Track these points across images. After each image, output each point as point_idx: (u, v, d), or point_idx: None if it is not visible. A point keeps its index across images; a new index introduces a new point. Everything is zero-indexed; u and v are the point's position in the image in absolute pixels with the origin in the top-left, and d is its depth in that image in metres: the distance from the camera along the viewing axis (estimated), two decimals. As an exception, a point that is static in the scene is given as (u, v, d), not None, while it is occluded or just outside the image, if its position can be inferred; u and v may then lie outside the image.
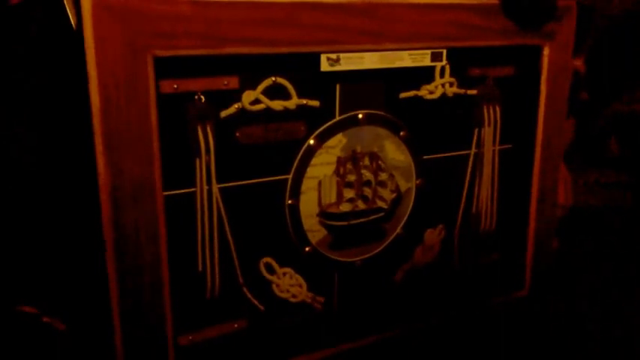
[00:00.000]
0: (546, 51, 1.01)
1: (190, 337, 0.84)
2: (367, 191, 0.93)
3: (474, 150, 1.00)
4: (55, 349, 0.88)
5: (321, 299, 0.93)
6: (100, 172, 0.72)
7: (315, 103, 0.85)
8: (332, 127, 0.88)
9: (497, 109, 0.99)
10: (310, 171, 0.88)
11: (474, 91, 0.97)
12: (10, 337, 0.88)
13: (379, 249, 0.96)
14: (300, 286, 0.91)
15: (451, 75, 0.94)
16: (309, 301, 0.92)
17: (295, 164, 0.86)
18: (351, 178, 0.91)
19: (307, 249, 0.90)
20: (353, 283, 0.95)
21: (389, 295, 0.99)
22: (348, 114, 0.88)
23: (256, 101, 0.81)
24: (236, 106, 0.80)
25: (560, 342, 1.07)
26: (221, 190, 0.81)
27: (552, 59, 1.01)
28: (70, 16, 0.73)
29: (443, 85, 0.94)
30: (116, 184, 0.73)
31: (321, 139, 0.87)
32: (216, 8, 0.75)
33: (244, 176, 0.83)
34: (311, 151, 0.87)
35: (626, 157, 1.53)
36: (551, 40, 1.00)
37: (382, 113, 0.91)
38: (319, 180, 0.89)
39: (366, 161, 0.92)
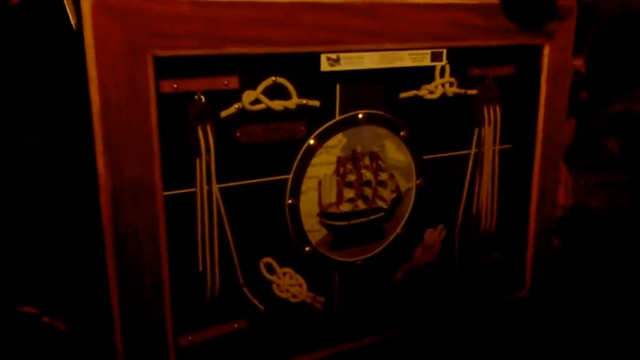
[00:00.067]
0: (546, 51, 1.01)
1: (190, 338, 0.84)
2: (367, 191, 0.93)
3: (474, 150, 1.00)
4: (55, 349, 0.88)
5: (322, 299, 0.93)
6: (100, 172, 0.72)
7: (316, 103, 0.85)
8: (332, 127, 0.88)
9: (498, 108, 0.99)
10: (310, 171, 0.88)
11: (474, 91, 0.97)
12: (11, 338, 0.88)
13: (379, 249, 0.96)
14: (301, 286, 0.91)
15: (451, 75, 0.94)
16: (309, 301, 0.92)
17: (295, 164, 0.86)
18: (352, 178, 0.91)
19: (307, 249, 0.90)
20: (353, 283, 0.95)
21: (389, 295, 0.99)
22: (348, 114, 0.88)
23: (256, 101, 0.81)
24: (236, 106, 0.80)
25: (560, 342, 1.06)
26: (221, 190, 0.81)
27: (552, 59, 1.01)
28: (70, 16, 0.73)
29: (443, 85, 0.94)
30: (116, 184, 0.73)
31: (322, 138, 0.87)
32: (216, 8, 0.75)
33: (244, 176, 0.83)
34: (311, 151, 0.87)
35: (626, 157, 1.53)
36: (551, 40, 1.00)
37: (382, 113, 0.91)
38: (319, 180, 0.89)
39: (367, 161, 0.92)
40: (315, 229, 0.90)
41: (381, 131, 0.92)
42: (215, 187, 0.81)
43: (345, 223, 0.92)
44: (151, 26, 0.72)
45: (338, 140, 0.89)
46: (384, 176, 0.94)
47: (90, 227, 0.76)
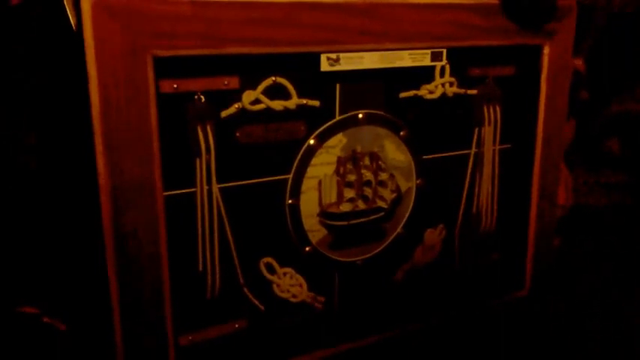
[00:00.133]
0: (546, 50, 1.01)
1: (191, 337, 0.84)
2: (367, 191, 0.93)
3: (474, 150, 1.00)
4: (55, 349, 0.88)
5: (322, 299, 0.93)
6: (100, 172, 0.72)
7: (315, 102, 0.85)
8: (332, 127, 0.88)
9: (498, 108, 0.99)
10: (310, 171, 0.88)
11: (474, 91, 0.97)
12: (11, 338, 0.88)
13: (379, 249, 0.96)
14: (301, 286, 0.91)
15: (451, 75, 0.94)
16: (309, 301, 0.92)
17: (295, 164, 0.86)
18: (352, 177, 0.91)
19: (308, 249, 0.90)
20: (353, 283, 0.95)
21: (389, 295, 0.99)
22: (348, 114, 0.88)
23: (256, 101, 0.81)
24: (236, 105, 0.80)
25: (560, 342, 1.06)
26: (221, 190, 0.81)
27: (552, 59, 1.01)
28: (70, 16, 0.73)
29: (443, 85, 0.94)
30: (116, 184, 0.73)
31: (322, 138, 0.87)
32: (216, 8, 0.75)
33: (244, 176, 0.83)
34: (311, 151, 0.87)
35: (626, 156, 1.53)
36: (551, 40, 1.00)
37: (382, 113, 0.91)
38: (319, 180, 0.89)
39: (367, 161, 0.92)
40: (315, 229, 0.90)
41: (381, 131, 0.92)
42: (215, 187, 0.81)
43: (345, 223, 0.92)
44: (151, 26, 0.72)
45: (338, 140, 0.89)
46: (384, 176, 0.94)
47: (90, 227, 0.76)
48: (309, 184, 0.88)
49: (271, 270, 0.88)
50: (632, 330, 1.09)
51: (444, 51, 0.92)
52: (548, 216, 1.11)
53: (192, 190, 0.79)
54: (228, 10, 0.76)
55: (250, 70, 0.79)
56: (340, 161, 0.90)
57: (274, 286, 0.89)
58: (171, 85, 0.75)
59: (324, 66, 0.84)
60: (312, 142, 0.87)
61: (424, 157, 0.96)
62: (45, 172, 0.86)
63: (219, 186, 0.81)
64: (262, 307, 0.88)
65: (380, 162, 0.93)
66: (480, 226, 1.04)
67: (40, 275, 0.90)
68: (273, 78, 0.81)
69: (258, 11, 0.77)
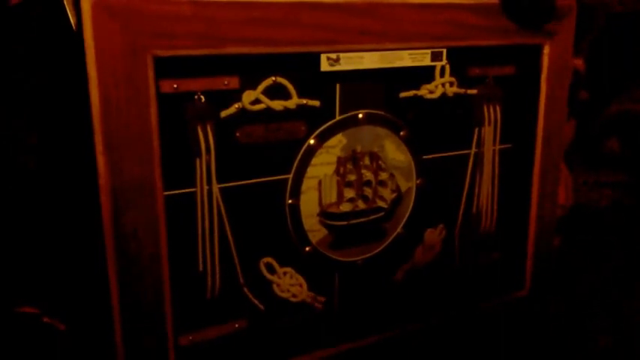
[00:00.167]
0: (546, 50, 1.01)
1: (191, 337, 0.84)
2: (367, 191, 0.93)
3: (474, 149, 1.00)
4: (55, 349, 0.88)
5: (322, 299, 0.93)
6: (100, 172, 0.72)
7: (316, 102, 0.85)
8: (332, 127, 0.88)
9: (498, 108, 0.99)
10: (310, 171, 0.88)
11: (474, 91, 0.97)
12: (11, 338, 0.88)
13: (379, 249, 0.96)
14: (301, 285, 0.91)
15: (451, 74, 0.94)
16: (309, 300, 0.92)
17: (295, 164, 0.86)
18: (352, 177, 0.91)
19: (308, 249, 0.90)
20: (353, 282, 0.95)
21: (389, 294, 0.99)
22: (348, 114, 0.88)
23: (256, 101, 0.81)
24: (236, 105, 0.80)
25: (560, 342, 1.06)
26: (221, 190, 0.81)
27: (552, 58, 1.01)
28: (70, 16, 0.73)
29: (443, 85, 0.94)
30: (116, 184, 0.73)
31: (322, 138, 0.87)
32: (216, 8, 0.75)
33: (245, 176, 0.83)
34: (311, 151, 0.87)
35: (626, 156, 1.53)
36: (551, 40, 1.00)
37: (382, 113, 0.91)
38: (319, 180, 0.89)
39: (367, 161, 0.92)
40: (315, 229, 0.90)
41: (381, 131, 0.92)
42: (215, 187, 0.81)
43: (345, 222, 0.92)
44: (151, 26, 0.72)
45: (338, 140, 0.89)
46: (384, 176, 0.94)
47: (90, 227, 0.76)
48: (309, 184, 0.88)
49: (271, 270, 0.88)
50: (632, 330, 1.09)
51: (444, 51, 0.92)
52: (548, 216, 1.11)
53: (193, 190, 0.79)
54: (228, 10, 0.76)
55: (250, 70, 0.79)
56: (340, 161, 0.90)
57: (274, 286, 0.89)
58: (171, 85, 0.75)
59: (324, 66, 0.84)
60: (312, 142, 0.87)
61: (424, 157, 0.96)
62: (45, 172, 0.86)
63: (219, 186, 0.81)
64: (262, 307, 0.88)
65: (380, 162, 0.93)
66: (480, 226, 1.04)
67: (40, 275, 0.90)
68: (273, 78, 0.81)
69: (258, 11, 0.77)
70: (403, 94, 0.92)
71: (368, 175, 0.92)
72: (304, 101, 0.84)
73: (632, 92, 1.49)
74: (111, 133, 0.72)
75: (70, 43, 0.72)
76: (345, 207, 0.92)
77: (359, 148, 0.91)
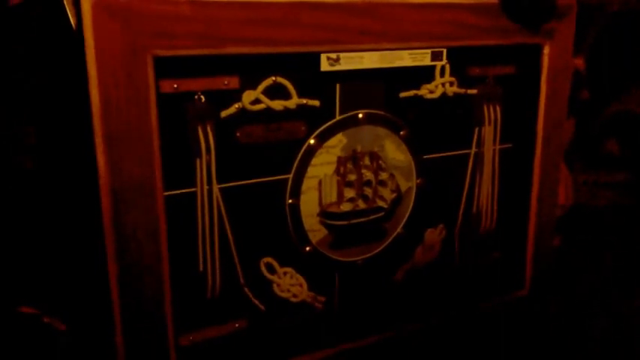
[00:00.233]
0: (546, 50, 1.01)
1: (191, 337, 0.84)
2: (368, 191, 0.93)
3: (474, 149, 1.00)
4: (55, 349, 0.88)
5: (322, 299, 0.93)
6: (101, 172, 0.72)
7: (316, 102, 0.85)
8: (332, 127, 0.88)
9: (498, 108, 0.99)
10: (311, 170, 0.88)
11: (474, 91, 0.97)
12: (11, 338, 0.88)
13: (380, 249, 0.96)
14: (301, 285, 0.91)
15: (451, 74, 0.94)
16: (309, 300, 0.92)
17: (296, 164, 0.86)
18: (352, 177, 0.91)
19: (308, 248, 0.90)
20: (354, 282, 0.95)
21: (389, 294, 0.99)
22: (349, 113, 0.88)
23: (256, 101, 0.81)
24: (236, 105, 0.80)
25: (560, 342, 1.06)
26: (221, 190, 0.81)
27: (553, 58, 1.01)
28: (70, 16, 0.73)
29: (443, 85, 0.94)
30: (116, 185, 0.73)
31: (322, 138, 0.87)
32: (216, 8, 0.75)
33: (245, 176, 0.83)
34: (311, 151, 0.87)
35: (626, 156, 1.53)
36: (551, 39, 1.00)
37: (382, 113, 0.91)
38: (320, 179, 0.89)
39: (367, 161, 0.92)
40: (315, 229, 0.90)
41: (381, 131, 0.92)
42: (215, 187, 0.81)
43: (345, 222, 0.92)
44: (151, 26, 0.72)
45: (338, 140, 0.89)
46: (384, 176, 0.94)
47: (90, 227, 0.76)
48: (309, 184, 0.88)
49: (271, 270, 0.88)
50: (632, 330, 1.09)
51: (444, 51, 0.92)
52: (548, 216, 1.11)
53: (193, 190, 0.79)
54: (227, 10, 0.76)
55: (250, 70, 0.79)
56: (340, 161, 0.90)
57: (274, 285, 0.89)
58: (171, 85, 0.75)
59: (324, 66, 0.84)
60: (312, 141, 0.87)
61: (424, 156, 0.96)
62: (45, 172, 0.86)
63: (219, 186, 0.81)
64: (262, 307, 0.88)
65: (380, 162, 0.93)
66: (480, 225, 1.04)
67: (40, 275, 0.90)
68: (274, 78, 0.81)
69: (258, 11, 0.77)
70: (403, 94, 0.92)
71: (368, 174, 0.92)
72: (304, 101, 0.84)
73: (632, 92, 1.49)
74: (111, 133, 0.72)
75: (70, 43, 0.72)
76: (346, 207, 0.92)
77: (359, 148, 0.91)
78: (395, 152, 0.94)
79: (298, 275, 0.90)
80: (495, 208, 1.04)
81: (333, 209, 0.91)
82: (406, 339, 1.02)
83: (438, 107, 0.94)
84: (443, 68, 0.93)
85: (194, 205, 0.80)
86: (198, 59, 0.76)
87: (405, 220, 0.97)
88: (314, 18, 0.81)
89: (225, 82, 0.78)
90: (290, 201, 0.87)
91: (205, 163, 0.79)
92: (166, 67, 0.74)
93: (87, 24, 0.69)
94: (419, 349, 1.02)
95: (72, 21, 0.73)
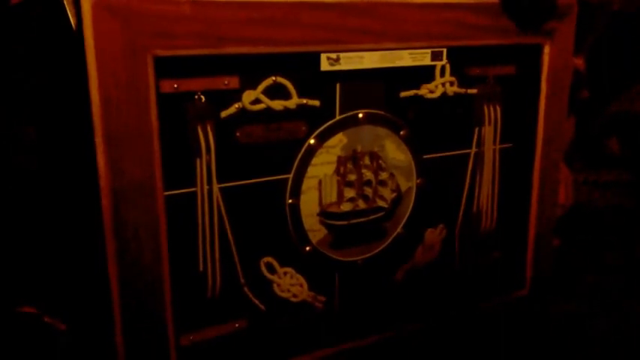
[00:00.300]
0: (547, 50, 1.01)
1: (191, 337, 0.84)
2: (368, 191, 0.93)
3: (474, 149, 1.00)
4: (55, 349, 0.88)
5: (322, 299, 0.93)
6: (101, 172, 0.72)
7: (316, 102, 0.85)
8: (332, 127, 0.88)
9: (498, 108, 0.99)
10: (311, 170, 0.87)
11: (474, 90, 0.97)
12: (11, 338, 0.88)
13: (380, 248, 0.96)
14: (301, 285, 0.91)
15: (451, 74, 0.94)
16: (310, 300, 0.92)
17: (296, 164, 0.86)
18: (352, 177, 0.91)
19: (308, 248, 0.90)
20: (354, 282, 0.95)
21: (389, 294, 0.99)
22: (349, 113, 0.88)
23: (256, 101, 0.81)
24: (236, 105, 0.80)
25: (560, 342, 1.06)
26: (221, 189, 0.81)
27: (553, 58, 1.01)
28: (70, 16, 0.73)
29: (443, 85, 0.94)
30: (116, 184, 0.73)
31: (322, 138, 0.87)
32: (216, 8, 0.75)
33: (245, 176, 0.83)
34: (311, 151, 0.87)
35: (626, 156, 1.53)
36: (551, 39, 1.00)
37: (382, 113, 0.91)
38: (320, 179, 0.89)
39: (367, 160, 0.92)
40: (315, 229, 0.90)
41: (382, 131, 0.92)
42: (215, 187, 0.81)
43: (345, 222, 0.92)
44: (151, 26, 0.72)
45: (338, 140, 0.89)
46: (384, 176, 0.94)
47: (90, 227, 0.76)
48: (309, 184, 0.88)
49: (272, 270, 0.88)
50: (633, 329, 1.09)
51: (444, 50, 0.92)
52: (548, 216, 1.11)
53: (193, 190, 0.79)
54: (228, 9, 0.75)
55: (250, 69, 0.79)
56: (340, 161, 0.90)
57: (275, 285, 0.89)
58: (171, 85, 0.75)
59: (324, 66, 0.84)
60: (312, 141, 0.86)
61: (424, 156, 0.96)
62: (45, 172, 0.86)
63: (219, 186, 0.81)
64: (263, 307, 0.88)
65: (380, 161, 0.93)
66: (480, 225, 1.04)
67: (40, 275, 0.90)
68: (274, 78, 0.81)
69: (258, 11, 0.77)
70: (403, 94, 0.92)
71: (368, 174, 0.92)
72: (304, 101, 0.84)
73: (632, 92, 1.49)
74: (111, 133, 0.72)
75: (70, 43, 0.72)
76: (346, 207, 0.92)
77: (359, 148, 0.91)
78: (395, 152, 0.94)
79: (298, 275, 0.90)
80: (495, 208, 1.04)
81: (333, 209, 0.91)
82: (406, 339, 1.02)
83: (438, 107, 0.94)
84: (443, 68, 0.93)
85: (194, 205, 0.80)
86: (198, 59, 0.76)
87: (405, 219, 0.97)
88: (314, 18, 0.81)
89: (225, 82, 0.78)
90: (290, 201, 0.87)
91: (205, 163, 0.79)
92: (166, 67, 0.74)
93: (87, 24, 0.69)
94: (419, 349, 1.02)
95: (72, 21, 0.73)
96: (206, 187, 0.80)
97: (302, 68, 0.83)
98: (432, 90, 0.93)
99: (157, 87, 0.74)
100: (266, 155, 0.83)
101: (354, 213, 0.93)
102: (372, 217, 0.94)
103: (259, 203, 0.85)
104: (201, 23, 0.74)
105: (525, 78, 1.01)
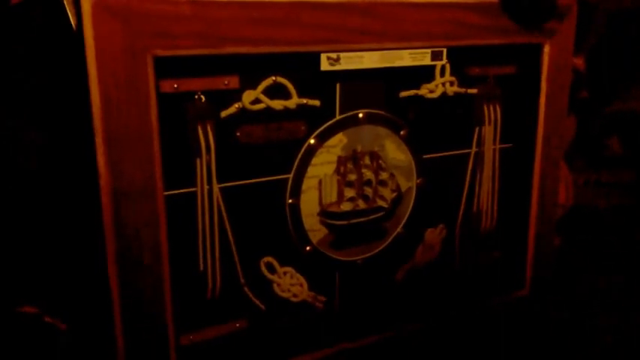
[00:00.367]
0: (547, 49, 1.01)
1: (191, 337, 0.84)
2: (368, 190, 0.93)
3: (474, 149, 1.00)
4: (56, 349, 0.88)
5: (323, 299, 0.93)
6: (101, 172, 0.72)
7: (316, 102, 0.85)
8: (332, 127, 0.88)
9: (498, 107, 0.99)
10: (311, 170, 0.88)
11: (474, 90, 0.97)
12: (12, 338, 0.88)
13: (380, 248, 0.96)
14: (301, 285, 0.91)
15: (451, 74, 0.94)
16: (310, 300, 0.92)
17: (296, 164, 0.86)
18: (352, 177, 0.91)
19: (308, 248, 0.90)
20: (354, 282, 0.95)
21: (390, 294, 0.99)
22: (349, 113, 0.88)
23: (257, 101, 0.81)
24: (236, 105, 0.80)
25: (560, 342, 1.06)
26: (222, 189, 0.81)
27: (553, 58, 1.01)
28: (70, 16, 0.73)
29: (443, 84, 0.94)
30: (117, 184, 0.73)
31: (322, 138, 0.87)
32: (216, 8, 0.75)
33: (245, 176, 0.83)
34: (311, 151, 0.87)
35: (626, 156, 1.53)
36: (551, 39, 1.00)
37: (382, 112, 0.91)
38: (320, 179, 0.89)
39: (367, 160, 0.92)
40: (315, 229, 0.90)
41: (382, 130, 0.92)
42: (215, 187, 0.81)
43: (345, 222, 0.92)
44: (151, 26, 0.72)
45: (338, 140, 0.89)
46: (384, 175, 0.94)
47: (91, 227, 0.76)
48: (309, 184, 0.88)
49: (272, 269, 0.88)
50: (633, 330, 1.09)
51: (444, 50, 0.92)
52: (548, 216, 1.11)
53: (193, 189, 0.79)
54: (227, 9, 0.76)
55: (250, 69, 0.79)
56: (341, 161, 0.90)
57: (275, 285, 0.89)
58: (171, 85, 0.75)
59: (324, 65, 0.84)
60: (312, 141, 0.87)
61: (424, 156, 0.96)
62: (45, 173, 0.86)
63: (219, 186, 0.81)
64: (263, 307, 0.88)
65: (380, 161, 0.93)
66: (480, 225, 1.04)
67: (40, 275, 0.90)
68: (274, 77, 0.81)
69: (257, 11, 0.77)
70: (403, 94, 0.92)
71: (368, 174, 0.92)
72: (304, 101, 0.84)
73: (632, 92, 1.49)
74: (111, 133, 0.72)
75: (70, 43, 0.72)
76: (346, 206, 0.92)
77: (359, 148, 0.91)
78: (395, 152, 0.94)
79: (298, 275, 0.90)
80: (495, 207, 1.04)
81: (334, 209, 0.91)
82: (406, 339, 1.02)
83: (438, 107, 0.94)
84: (443, 68, 0.93)
85: (194, 205, 0.80)
86: (198, 59, 0.76)
87: (405, 219, 0.97)
88: (314, 18, 0.81)
89: (225, 82, 0.78)
90: (290, 201, 0.87)
91: (205, 163, 0.79)
92: (166, 67, 0.74)
93: (87, 24, 0.69)
94: (419, 349, 1.02)
95: (72, 21, 0.73)
96: (206, 187, 0.80)
97: (302, 68, 0.83)
98: (432, 90, 0.93)
99: (157, 87, 0.74)
100: (266, 155, 0.83)
101: (354, 213, 0.93)
102: (372, 216, 0.94)
103: (259, 203, 0.85)
104: (201, 23, 0.74)
105: (525, 78, 1.01)
